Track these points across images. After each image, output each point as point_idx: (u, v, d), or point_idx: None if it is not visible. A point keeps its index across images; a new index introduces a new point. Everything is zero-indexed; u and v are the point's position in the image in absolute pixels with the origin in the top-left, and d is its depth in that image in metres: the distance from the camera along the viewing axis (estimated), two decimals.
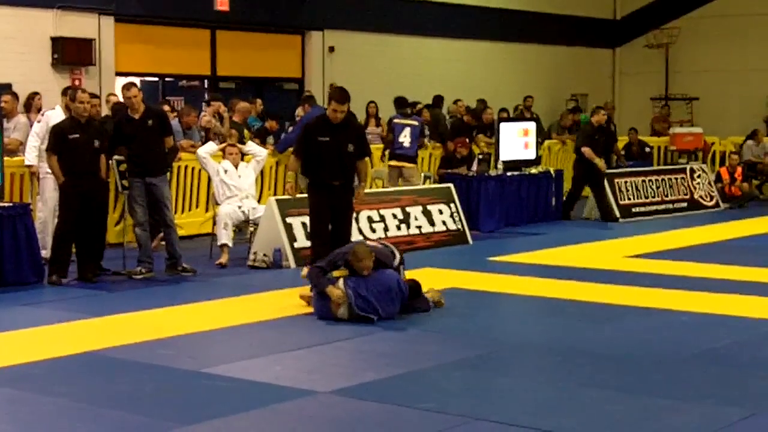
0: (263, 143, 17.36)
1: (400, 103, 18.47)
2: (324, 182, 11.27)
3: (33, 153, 13.29)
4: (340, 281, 10.00)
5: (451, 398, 7.50)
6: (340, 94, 11.29)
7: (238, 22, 22.42)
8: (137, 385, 7.85)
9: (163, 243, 13.31)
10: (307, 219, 13.57)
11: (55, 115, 13.24)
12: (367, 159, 11.70)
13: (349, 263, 10.07)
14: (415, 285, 10.35)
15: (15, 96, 15.18)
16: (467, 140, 18.51)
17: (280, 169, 17.22)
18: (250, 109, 18.26)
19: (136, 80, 21.84)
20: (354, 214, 11.78)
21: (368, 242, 11.01)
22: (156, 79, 21.75)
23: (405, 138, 17.69)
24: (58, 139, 12.14)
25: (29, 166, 13.41)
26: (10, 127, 14.39)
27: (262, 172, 15.53)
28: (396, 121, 17.93)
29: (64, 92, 13.42)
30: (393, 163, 17.72)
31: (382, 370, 8.28)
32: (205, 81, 22.97)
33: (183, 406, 7.33)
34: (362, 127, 11.51)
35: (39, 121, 13.60)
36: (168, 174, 13.36)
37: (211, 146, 14.08)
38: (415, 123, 17.80)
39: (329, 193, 11.23)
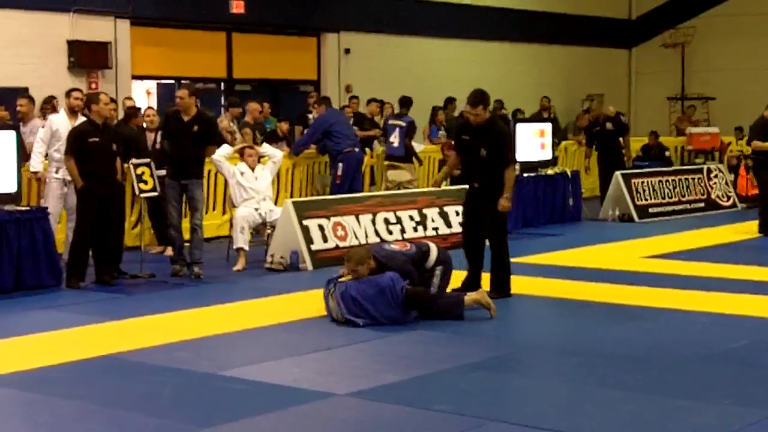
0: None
1: (403, 102, 18.49)
2: (467, 181, 11.46)
3: (38, 159, 13.29)
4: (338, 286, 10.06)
5: (469, 400, 7.49)
6: (470, 97, 11.18)
7: (254, 24, 22.48)
8: (155, 388, 7.87)
9: (170, 252, 13.49)
10: (322, 221, 13.66)
11: (58, 119, 13.25)
12: (511, 168, 11.07)
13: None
14: (415, 294, 9.93)
15: (31, 100, 15.24)
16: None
17: (297, 172, 17.25)
18: (260, 109, 18.26)
19: (153, 83, 22.19)
20: (496, 218, 11.11)
21: (394, 243, 10.89)
22: (172, 81, 21.80)
23: (395, 138, 17.81)
24: (77, 143, 12.18)
25: (34, 173, 13.41)
26: (26, 131, 14.44)
27: (278, 175, 15.55)
28: (390, 122, 18.06)
29: (68, 94, 13.40)
30: (387, 163, 17.86)
31: (400, 371, 8.28)
32: (222, 83, 23.03)
33: (201, 409, 7.34)
34: (501, 134, 11.16)
35: (43, 126, 13.61)
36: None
37: (226, 149, 14.09)
38: (403, 123, 17.94)
39: (473, 193, 11.31)
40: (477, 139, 11.10)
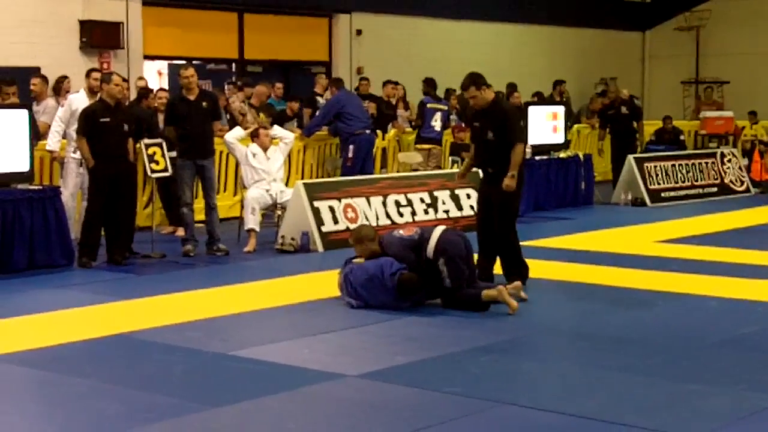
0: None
1: (431, 84, 18.50)
2: (480, 167, 11.20)
3: (55, 138, 13.34)
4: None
5: (479, 382, 7.49)
6: (464, 80, 10.97)
7: (266, 5, 22.45)
8: (166, 367, 7.88)
9: (181, 232, 13.54)
10: (333, 203, 13.66)
11: (79, 98, 13.28)
12: (517, 147, 10.65)
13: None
14: (406, 280, 9.71)
15: (44, 79, 15.24)
16: (463, 125, 18.62)
17: (308, 154, 17.24)
18: (268, 93, 18.26)
19: (164, 64, 22.17)
20: (505, 205, 10.77)
21: (403, 227, 10.78)
22: (183, 62, 21.78)
23: (436, 122, 17.92)
24: (88, 123, 12.18)
25: (51, 151, 13.44)
26: (39, 110, 14.45)
27: (289, 156, 15.54)
28: (429, 105, 18.05)
29: (88, 74, 13.45)
30: (422, 146, 17.85)
31: (410, 354, 8.27)
32: (233, 64, 23.01)
33: (211, 388, 7.35)
34: (507, 115, 10.86)
35: (62, 105, 13.65)
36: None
37: (239, 131, 14.10)
38: (445, 107, 18.28)
39: (485, 179, 11.04)
40: (484, 122, 10.90)
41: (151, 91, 16.03)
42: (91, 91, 13.18)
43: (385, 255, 9.98)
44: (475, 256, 10.31)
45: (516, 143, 10.67)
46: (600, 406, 6.88)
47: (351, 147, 16.48)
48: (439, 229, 10.07)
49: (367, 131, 16.70)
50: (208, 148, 13.17)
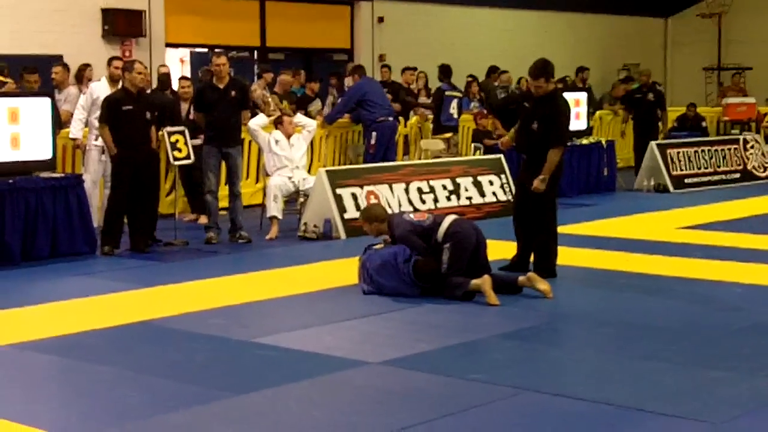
0: (306, 111, 17.43)
1: (447, 71, 18.47)
2: (519, 150, 11.15)
3: (78, 126, 13.40)
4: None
5: (502, 369, 7.48)
6: (532, 68, 10.68)
7: None
8: (189, 355, 7.90)
9: (204, 220, 13.59)
10: (355, 190, 13.66)
11: (100, 86, 13.33)
12: (556, 150, 10.48)
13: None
14: (424, 265, 9.70)
15: (66, 67, 15.28)
16: (485, 112, 18.61)
17: (330, 141, 17.24)
18: (292, 82, 18.29)
19: (186, 51, 22.20)
20: (539, 198, 10.59)
21: (414, 213, 10.77)
22: (205, 50, 21.82)
23: (454, 110, 17.92)
24: (111, 111, 12.20)
25: (73, 139, 13.49)
26: (61, 98, 14.50)
27: (312, 144, 15.53)
28: (447, 93, 18.03)
29: (109, 63, 13.49)
30: (442, 135, 17.84)
31: (433, 341, 8.27)
32: (255, 52, 23.02)
33: (234, 376, 7.36)
34: (557, 112, 10.60)
35: (84, 93, 13.69)
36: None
37: (262, 119, 14.11)
38: (461, 94, 18.42)
39: (523, 165, 10.98)
40: (534, 110, 10.77)
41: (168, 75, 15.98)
42: (112, 80, 13.21)
43: (391, 235, 10.02)
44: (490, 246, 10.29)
45: (556, 145, 10.52)
46: (623, 393, 6.86)
47: (374, 134, 16.47)
48: (452, 216, 10.11)
49: (390, 118, 16.68)
50: (235, 136, 13.21)
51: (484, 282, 9.55)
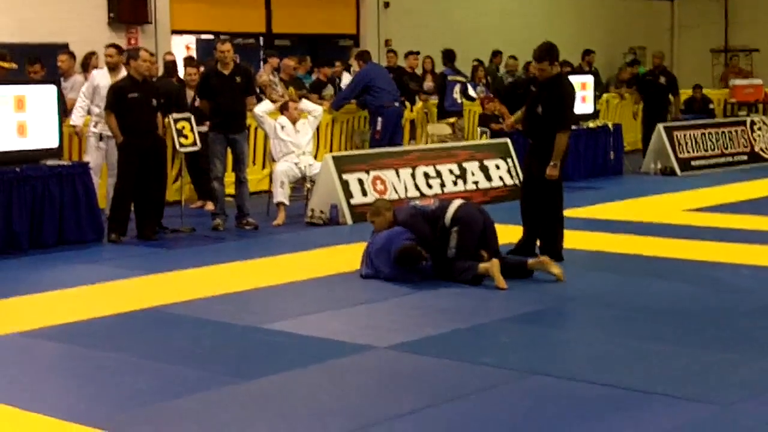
0: (320, 96, 17.41)
1: (450, 56, 18.43)
2: (526, 135, 11.04)
3: (78, 113, 13.38)
4: None
5: (510, 353, 7.48)
6: (536, 51, 10.67)
7: None
8: (196, 341, 7.91)
9: (210, 206, 13.56)
10: (362, 175, 13.65)
11: (101, 74, 13.33)
12: (562, 135, 10.43)
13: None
14: (404, 250, 9.64)
15: (72, 55, 15.25)
16: (492, 96, 18.61)
17: (336, 127, 17.22)
18: (294, 66, 18.27)
19: (192, 38, 22.17)
20: (546, 183, 10.56)
21: (420, 199, 10.74)
22: (211, 37, 21.78)
23: (457, 94, 17.88)
24: (117, 98, 12.20)
25: (73, 126, 13.48)
26: (67, 86, 14.47)
27: (318, 129, 15.52)
28: (450, 77, 17.99)
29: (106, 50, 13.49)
30: (446, 120, 17.80)
31: (440, 325, 8.27)
32: (260, 38, 22.98)
33: (242, 362, 7.37)
34: (561, 95, 10.54)
35: (86, 81, 13.69)
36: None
37: (267, 105, 14.10)
38: (464, 79, 18.32)
39: (529, 149, 10.91)
40: (539, 94, 10.73)
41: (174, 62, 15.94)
42: (109, 68, 13.23)
43: (397, 222, 10.02)
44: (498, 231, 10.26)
45: (562, 128, 10.48)
46: (631, 376, 6.86)
47: (379, 120, 16.45)
48: (458, 201, 10.10)
49: (396, 104, 16.65)
50: (240, 122, 13.19)
51: (492, 265, 9.54)
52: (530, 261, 9.91)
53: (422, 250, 9.67)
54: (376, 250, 9.89)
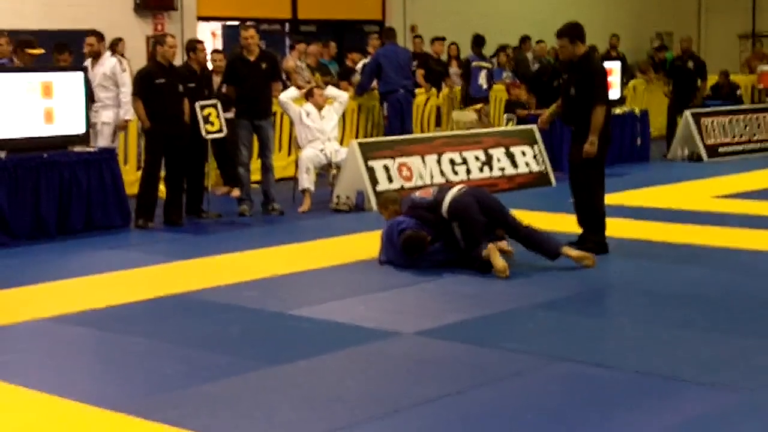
0: (349, 82, 17.40)
1: (479, 41, 18.39)
2: (566, 122, 10.82)
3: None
4: None
5: (536, 339, 7.47)
6: (562, 27, 10.42)
7: None
8: (224, 326, 7.93)
9: (236, 193, 13.56)
10: (387, 162, 13.65)
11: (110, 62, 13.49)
12: (597, 109, 10.14)
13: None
14: (409, 237, 9.65)
15: (101, 37, 14.99)
16: (518, 81, 18.57)
17: (363, 113, 17.21)
18: (321, 52, 18.26)
19: (218, 25, 22.19)
20: (585, 165, 10.27)
21: (421, 190, 10.66)
22: (237, 23, 21.79)
23: (483, 80, 17.85)
24: (144, 84, 12.23)
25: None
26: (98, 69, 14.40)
27: (344, 116, 15.51)
28: (474, 64, 17.95)
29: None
30: (472, 107, 17.76)
31: (466, 311, 8.27)
32: (286, 24, 22.99)
33: (269, 347, 7.38)
34: (591, 71, 10.31)
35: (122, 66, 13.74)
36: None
37: (293, 91, 14.11)
38: (490, 65, 18.39)
39: (572, 136, 10.60)
40: (570, 77, 10.49)
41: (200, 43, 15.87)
42: (90, 57, 13.53)
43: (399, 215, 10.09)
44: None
45: (596, 104, 10.19)
46: (658, 362, 6.84)
47: (385, 105, 16.53)
48: (453, 191, 9.93)
49: (401, 90, 16.53)
50: (266, 108, 13.21)
51: (490, 251, 9.46)
52: (564, 248, 9.72)
53: (425, 234, 9.69)
54: (385, 238, 9.95)
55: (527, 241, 9.82)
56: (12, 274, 9.83)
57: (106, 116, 13.34)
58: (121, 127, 13.58)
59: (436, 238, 9.78)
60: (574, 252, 9.72)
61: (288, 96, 13.83)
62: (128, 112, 13.39)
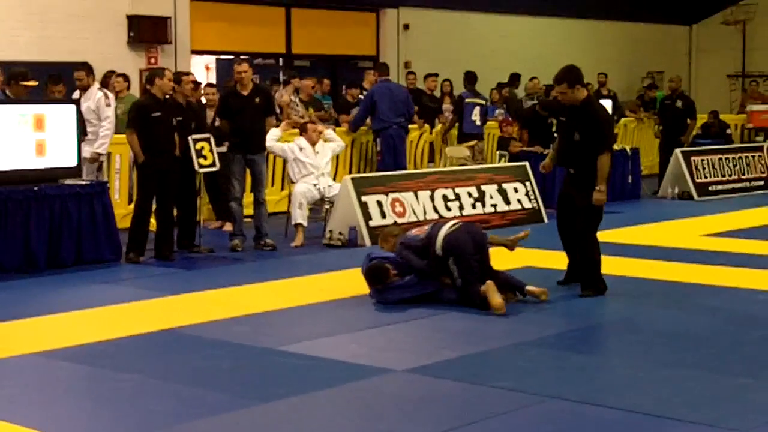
0: (348, 115, 17.48)
1: (471, 78, 18.46)
2: (562, 164, 10.69)
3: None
4: None
5: (528, 377, 7.46)
6: (559, 73, 10.40)
7: None
8: (215, 362, 7.90)
9: (228, 227, 13.57)
10: (380, 197, 13.66)
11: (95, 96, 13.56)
12: (604, 157, 10.11)
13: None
14: (371, 268, 9.94)
15: (90, 70, 14.99)
16: (511, 119, 18.65)
17: (356, 148, 17.24)
18: (312, 85, 18.32)
19: (212, 58, 22.25)
20: (589, 210, 10.26)
21: (416, 228, 10.67)
22: (231, 57, 21.85)
23: (476, 117, 17.90)
24: (140, 117, 12.24)
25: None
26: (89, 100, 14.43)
27: None
28: (468, 100, 18.01)
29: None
30: (465, 143, 17.81)
31: (458, 348, 8.26)
32: (280, 59, 23.06)
33: (260, 384, 7.36)
34: (598, 118, 10.25)
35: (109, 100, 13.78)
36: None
37: (274, 132, 13.76)
38: (483, 102, 18.41)
39: (567, 179, 10.61)
40: (571, 121, 10.42)
41: (199, 84, 15.94)
42: (80, 89, 13.60)
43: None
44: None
45: (604, 151, 10.17)
46: (649, 401, 6.84)
47: (378, 141, 16.59)
48: (447, 227, 9.92)
49: (394, 126, 16.57)
50: (259, 143, 13.21)
51: (488, 287, 9.47)
52: (528, 287, 9.81)
53: (389, 267, 9.83)
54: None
55: (506, 283, 9.87)
56: (0, 308, 9.79)
57: (86, 151, 13.21)
58: (92, 160, 13.45)
59: (407, 273, 9.86)
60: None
61: (271, 138, 13.60)
62: (102, 146, 13.38)
